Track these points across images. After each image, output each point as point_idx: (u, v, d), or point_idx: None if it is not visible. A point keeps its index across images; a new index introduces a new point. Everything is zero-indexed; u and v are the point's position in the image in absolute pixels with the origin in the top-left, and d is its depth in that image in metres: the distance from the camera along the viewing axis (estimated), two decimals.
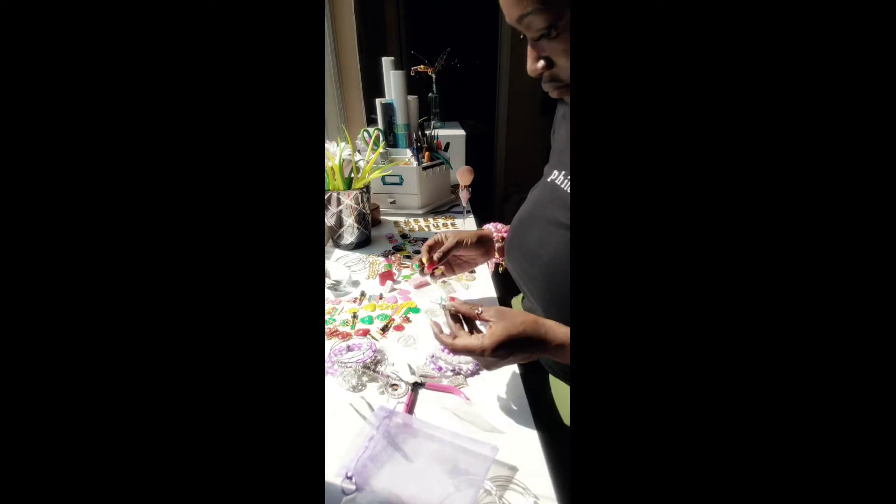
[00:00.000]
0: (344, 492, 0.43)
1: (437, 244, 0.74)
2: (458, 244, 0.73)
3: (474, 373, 0.61)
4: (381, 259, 0.95)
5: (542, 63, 0.46)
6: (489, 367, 0.51)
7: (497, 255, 0.78)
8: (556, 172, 0.61)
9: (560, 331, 0.50)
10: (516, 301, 0.83)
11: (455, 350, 0.49)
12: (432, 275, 0.72)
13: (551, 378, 0.68)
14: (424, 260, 0.72)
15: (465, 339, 0.49)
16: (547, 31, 0.43)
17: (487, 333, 0.48)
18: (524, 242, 0.63)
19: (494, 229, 0.78)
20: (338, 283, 0.85)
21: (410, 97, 1.21)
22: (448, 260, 0.74)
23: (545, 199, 0.62)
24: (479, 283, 0.86)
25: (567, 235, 0.54)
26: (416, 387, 0.58)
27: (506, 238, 0.72)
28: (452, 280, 0.86)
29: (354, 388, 0.58)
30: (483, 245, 0.76)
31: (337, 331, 0.71)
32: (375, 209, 1.16)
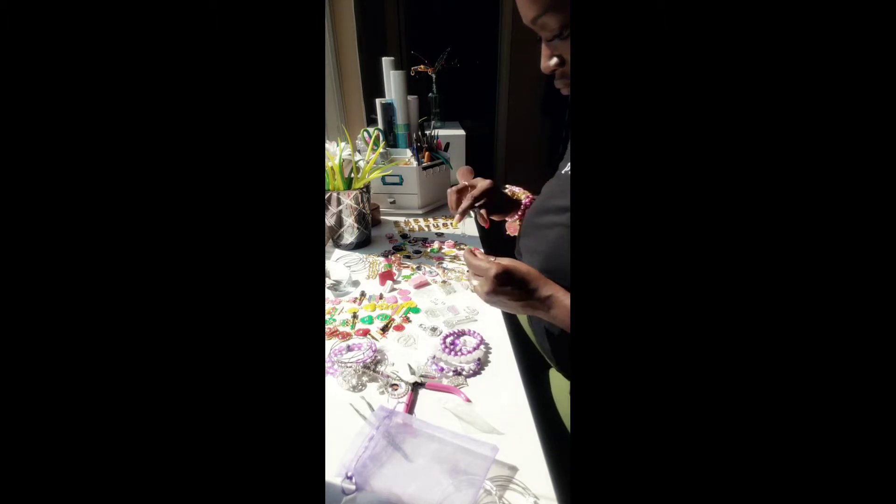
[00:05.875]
0: (344, 492, 0.43)
1: (464, 190, 0.77)
2: (487, 193, 0.76)
3: (475, 373, 0.61)
4: (381, 259, 0.95)
5: (554, 61, 0.50)
6: (488, 294, 0.54)
7: (516, 222, 0.80)
8: (570, 166, 0.63)
9: (556, 288, 0.53)
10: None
11: (469, 264, 0.56)
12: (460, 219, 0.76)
13: (552, 375, 0.68)
14: (452, 202, 0.78)
15: (481, 259, 0.56)
16: (560, 32, 0.45)
17: (497, 259, 0.55)
18: (536, 229, 0.64)
19: (526, 199, 0.80)
20: (338, 283, 0.85)
21: (410, 97, 1.20)
22: (479, 209, 0.77)
23: (557, 190, 0.64)
24: None
25: None
26: (416, 387, 0.58)
27: (523, 218, 0.75)
28: (452, 280, 0.86)
29: (354, 388, 0.58)
30: (506, 202, 0.79)
31: (337, 331, 0.71)
32: (375, 209, 1.16)
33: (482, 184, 0.76)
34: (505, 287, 0.52)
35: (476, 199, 0.75)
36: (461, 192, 0.77)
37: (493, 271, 0.52)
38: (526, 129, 2.62)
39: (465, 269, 0.90)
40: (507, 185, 0.84)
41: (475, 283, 0.56)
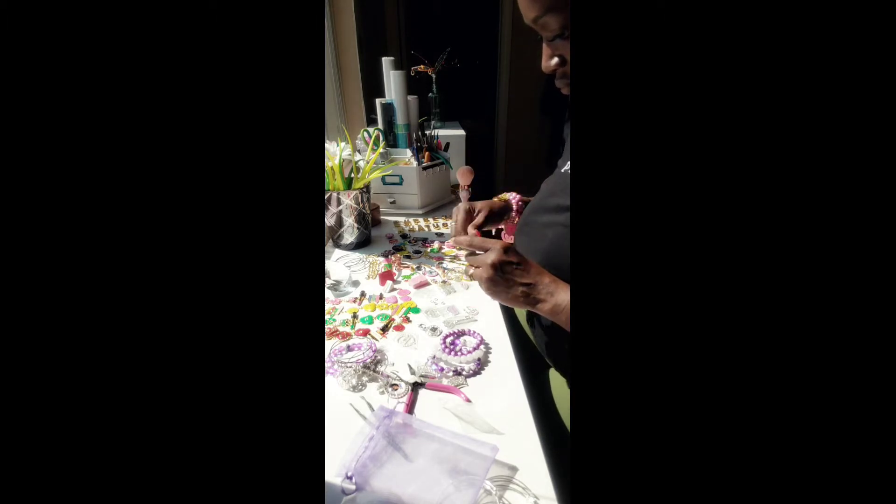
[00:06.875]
0: (344, 492, 0.43)
1: (469, 216, 0.71)
2: (491, 214, 0.73)
3: (475, 373, 0.61)
4: (381, 259, 0.95)
5: (555, 60, 0.50)
6: (488, 278, 0.54)
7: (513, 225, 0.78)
8: (569, 164, 0.63)
9: (559, 284, 0.53)
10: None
11: (473, 245, 0.56)
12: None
13: (551, 375, 0.68)
14: (460, 231, 0.71)
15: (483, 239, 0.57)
16: (561, 32, 0.46)
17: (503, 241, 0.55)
18: (533, 227, 0.64)
19: (514, 200, 0.79)
20: (338, 283, 0.85)
21: (410, 97, 1.20)
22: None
23: (557, 188, 0.64)
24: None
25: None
26: (416, 387, 0.58)
27: (518, 221, 0.73)
28: (452, 280, 0.86)
29: (354, 388, 0.58)
30: (501, 213, 0.77)
31: (337, 331, 0.71)
32: (375, 209, 1.16)
33: (480, 209, 0.72)
34: (506, 274, 0.52)
35: (478, 226, 0.70)
36: (466, 221, 0.71)
37: (491, 257, 0.52)
38: (526, 129, 2.62)
39: (465, 269, 0.90)
40: (495, 198, 0.82)
41: (472, 271, 0.56)
